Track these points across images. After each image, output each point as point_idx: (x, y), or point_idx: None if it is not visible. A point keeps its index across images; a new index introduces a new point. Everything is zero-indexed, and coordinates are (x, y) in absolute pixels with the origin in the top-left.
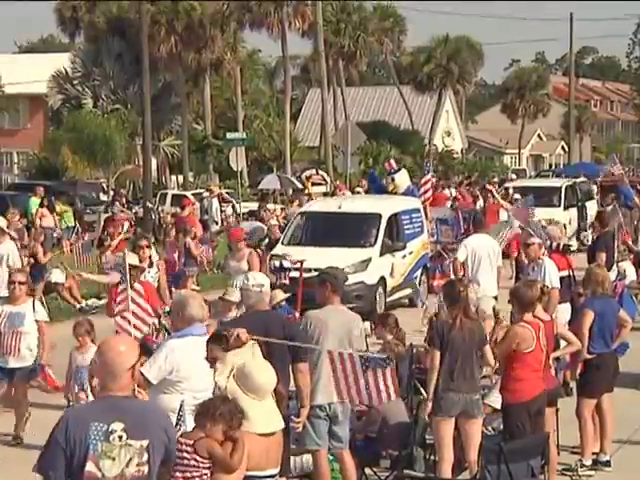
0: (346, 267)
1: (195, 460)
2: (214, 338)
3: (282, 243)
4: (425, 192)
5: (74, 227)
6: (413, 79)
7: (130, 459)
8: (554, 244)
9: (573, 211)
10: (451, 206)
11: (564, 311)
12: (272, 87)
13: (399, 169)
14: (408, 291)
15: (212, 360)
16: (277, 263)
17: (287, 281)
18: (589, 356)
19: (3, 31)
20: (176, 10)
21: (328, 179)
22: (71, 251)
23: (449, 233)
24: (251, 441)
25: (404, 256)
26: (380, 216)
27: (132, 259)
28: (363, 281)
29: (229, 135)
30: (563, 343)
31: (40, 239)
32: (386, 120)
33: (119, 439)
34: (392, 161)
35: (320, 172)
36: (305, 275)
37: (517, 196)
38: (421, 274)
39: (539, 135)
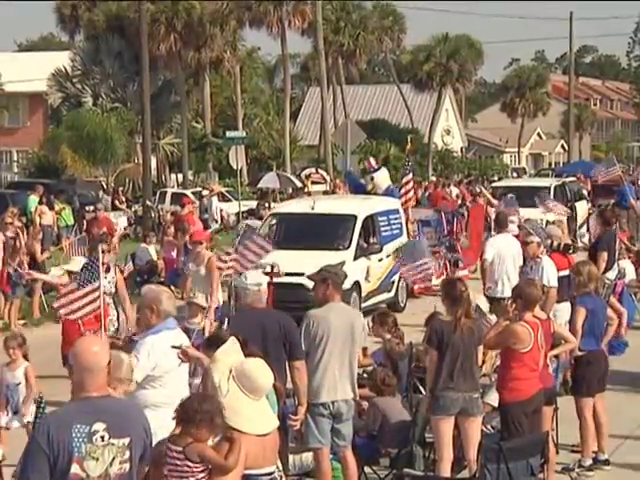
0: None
1: (187, 466)
2: (209, 344)
3: None
4: (406, 192)
5: (73, 225)
6: (413, 77)
7: (113, 458)
8: (555, 243)
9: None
10: (460, 205)
11: (565, 310)
12: (272, 85)
13: (379, 168)
14: (385, 296)
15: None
16: None
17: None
18: (579, 353)
19: (3, 29)
20: (176, 8)
21: (328, 178)
22: (70, 249)
23: (432, 235)
24: (248, 441)
25: (381, 259)
26: (355, 217)
27: (73, 265)
28: None
29: (229, 134)
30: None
31: (38, 237)
32: (386, 118)
33: (101, 439)
34: (372, 159)
35: (320, 171)
36: (275, 280)
37: (510, 195)
38: (399, 278)
39: (539, 134)
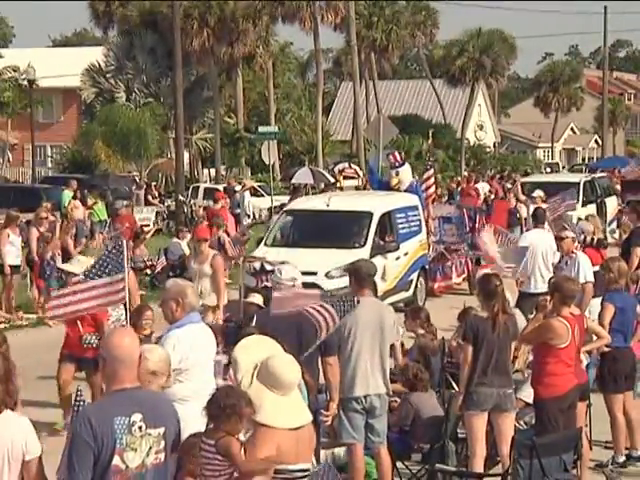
0: (332, 270)
1: (218, 460)
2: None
3: (265, 244)
4: (427, 188)
5: (106, 220)
6: (445, 72)
7: (150, 448)
8: (588, 239)
9: (592, 207)
10: (484, 200)
11: (598, 306)
12: (304, 80)
13: (403, 163)
14: (403, 295)
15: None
16: (257, 265)
17: (270, 284)
18: (606, 349)
19: (37, 25)
20: (208, 4)
21: (361, 173)
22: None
23: (453, 232)
24: (280, 436)
25: (398, 257)
26: (371, 214)
27: (74, 267)
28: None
29: (261, 129)
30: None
31: (71, 232)
32: (418, 114)
33: (139, 430)
34: (396, 154)
35: (353, 166)
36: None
37: (539, 193)
38: (418, 277)
39: (572, 129)
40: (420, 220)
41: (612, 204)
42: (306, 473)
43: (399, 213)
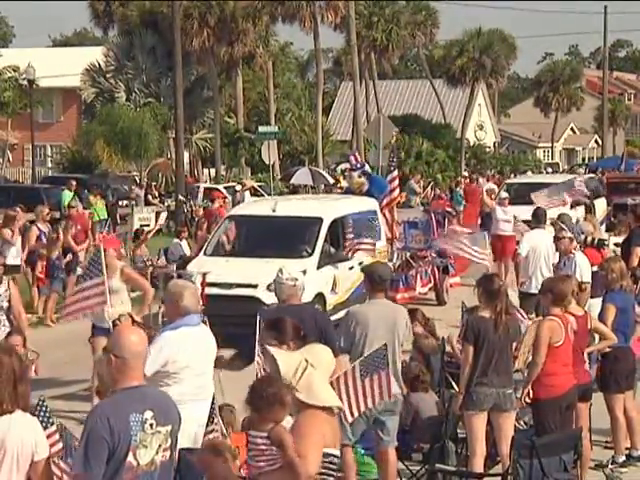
0: (273, 283)
1: (274, 450)
2: (269, 327)
3: (204, 253)
4: (392, 191)
5: (106, 220)
6: (445, 72)
7: (159, 445)
8: (589, 239)
9: (580, 209)
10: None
11: (597, 305)
12: (304, 80)
13: (364, 165)
14: None
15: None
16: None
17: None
18: (607, 349)
19: (37, 25)
20: (209, 4)
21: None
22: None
23: (420, 238)
24: (323, 420)
25: (352, 267)
26: (320, 220)
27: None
28: None
29: (261, 128)
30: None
31: (72, 231)
32: (418, 114)
33: (150, 427)
34: (356, 154)
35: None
36: (224, 292)
37: (505, 194)
38: None
39: (572, 129)
40: (378, 226)
41: (601, 206)
42: (338, 459)
43: (354, 219)
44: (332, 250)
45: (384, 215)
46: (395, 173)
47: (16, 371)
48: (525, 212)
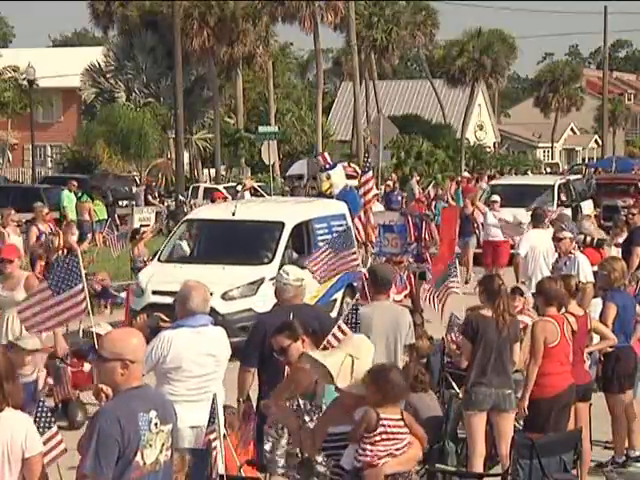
0: (231, 291)
1: (402, 433)
2: (281, 328)
3: (159, 259)
4: (366, 193)
5: (106, 220)
6: (445, 73)
7: (162, 444)
8: (588, 239)
9: (567, 212)
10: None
11: (597, 305)
12: (304, 81)
13: (334, 165)
14: None
15: (280, 350)
16: (98, 288)
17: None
18: (609, 349)
19: (37, 25)
20: (209, 4)
21: (360, 172)
22: (104, 243)
23: (396, 242)
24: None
25: None
26: (282, 225)
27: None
28: (251, 308)
29: (261, 129)
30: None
31: (71, 231)
32: (418, 114)
33: (155, 426)
34: (326, 155)
35: (352, 165)
36: (171, 301)
37: (496, 198)
38: (344, 296)
39: (572, 129)
40: (350, 231)
41: (588, 208)
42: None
43: (319, 223)
44: (295, 256)
45: (359, 218)
46: (369, 174)
47: (1, 370)
48: (508, 215)
